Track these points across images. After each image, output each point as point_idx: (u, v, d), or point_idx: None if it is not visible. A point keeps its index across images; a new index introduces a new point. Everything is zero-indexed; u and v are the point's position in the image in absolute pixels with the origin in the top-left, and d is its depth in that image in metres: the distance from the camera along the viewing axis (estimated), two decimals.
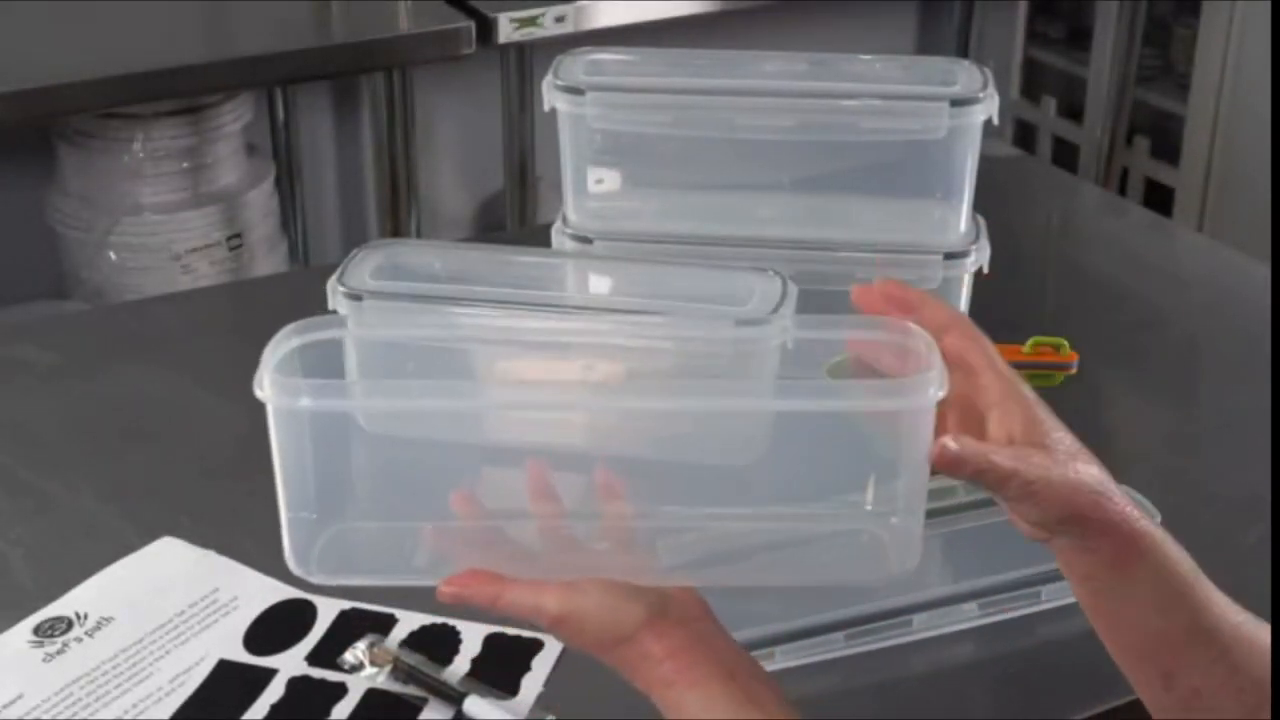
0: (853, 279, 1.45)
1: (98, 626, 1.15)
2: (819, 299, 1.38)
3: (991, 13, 3.50)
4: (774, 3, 3.09)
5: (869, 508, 0.97)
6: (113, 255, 2.52)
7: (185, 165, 2.55)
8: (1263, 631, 0.96)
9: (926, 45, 3.50)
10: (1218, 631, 0.96)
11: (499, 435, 1.01)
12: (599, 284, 1.50)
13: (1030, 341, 1.39)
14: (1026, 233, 1.85)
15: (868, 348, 1.01)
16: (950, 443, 0.90)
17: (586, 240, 1.49)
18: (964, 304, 1.48)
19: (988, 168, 1.49)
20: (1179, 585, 0.95)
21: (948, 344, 0.98)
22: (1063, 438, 0.94)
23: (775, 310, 1.31)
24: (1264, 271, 1.75)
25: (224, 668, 1.12)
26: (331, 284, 1.38)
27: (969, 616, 1.16)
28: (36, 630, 1.15)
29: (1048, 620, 1.18)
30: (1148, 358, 1.61)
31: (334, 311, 1.38)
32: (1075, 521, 0.92)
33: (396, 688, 1.08)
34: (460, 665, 1.11)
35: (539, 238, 1.55)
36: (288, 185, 2.91)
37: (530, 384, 1.10)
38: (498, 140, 2.82)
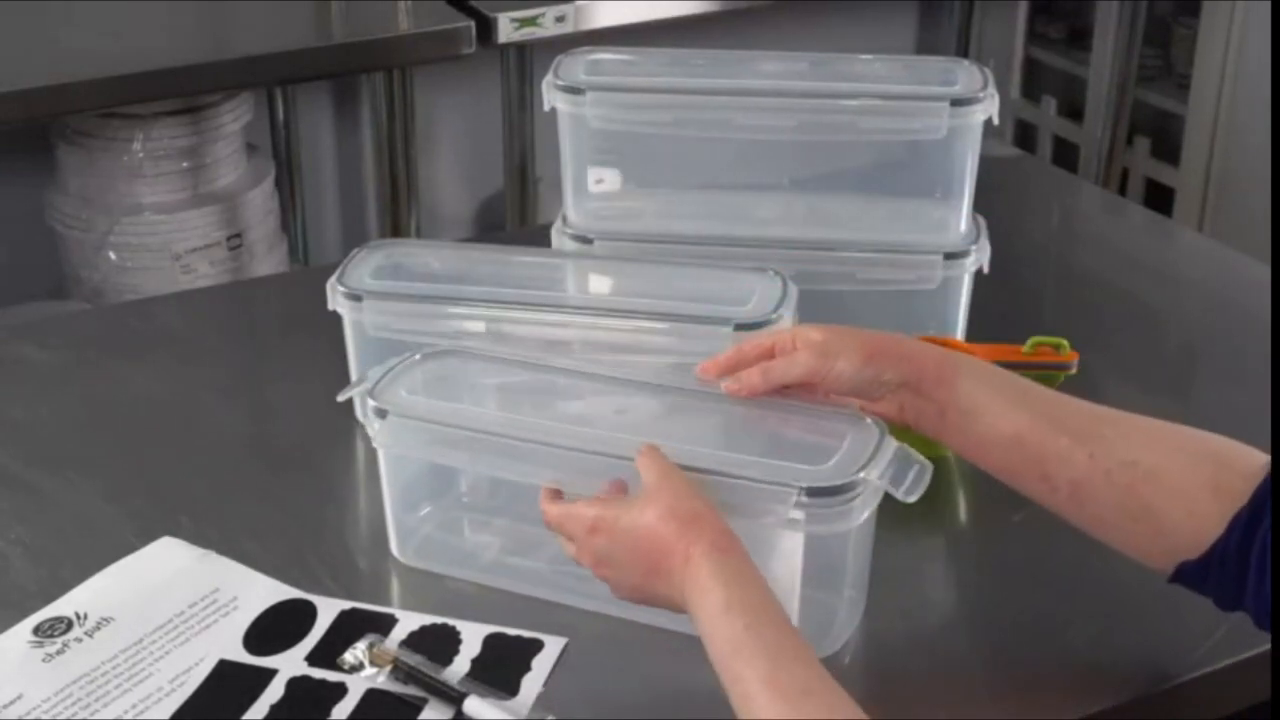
0: (853, 279, 1.47)
1: (98, 627, 1.15)
2: (819, 299, 1.39)
3: (991, 13, 3.50)
4: (774, 3, 3.09)
5: None
6: (113, 255, 2.52)
7: (185, 165, 2.55)
8: (1112, 414, 1.09)
9: (926, 45, 3.50)
10: (1067, 422, 1.08)
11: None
12: (599, 284, 1.50)
13: (1030, 341, 1.39)
14: (1026, 233, 1.85)
15: None
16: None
17: (586, 240, 1.49)
18: (964, 304, 1.48)
19: (988, 168, 1.49)
20: (1009, 387, 1.10)
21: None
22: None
23: (775, 310, 1.32)
24: (1264, 271, 1.75)
25: (224, 668, 1.12)
26: (331, 284, 1.38)
27: None
28: (36, 630, 1.15)
29: (1047, 620, 1.18)
30: (1148, 358, 1.61)
31: (337, 311, 1.39)
32: (880, 357, 1.11)
33: (396, 688, 1.08)
34: (460, 665, 1.11)
35: (539, 238, 1.55)
36: (288, 185, 2.91)
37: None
38: (498, 140, 2.82)
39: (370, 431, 1.17)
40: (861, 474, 1.05)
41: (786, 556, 1.08)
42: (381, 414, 1.16)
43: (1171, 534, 1.03)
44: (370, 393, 1.17)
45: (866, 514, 1.06)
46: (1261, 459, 1.03)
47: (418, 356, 1.23)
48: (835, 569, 1.12)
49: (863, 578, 1.14)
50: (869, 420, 1.10)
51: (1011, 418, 1.08)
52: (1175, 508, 1.03)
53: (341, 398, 1.24)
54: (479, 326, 1.36)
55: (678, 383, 1.18)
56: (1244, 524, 1.00)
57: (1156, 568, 1.06)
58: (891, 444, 1.07)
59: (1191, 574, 1.04)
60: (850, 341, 1.13)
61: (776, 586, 1.00)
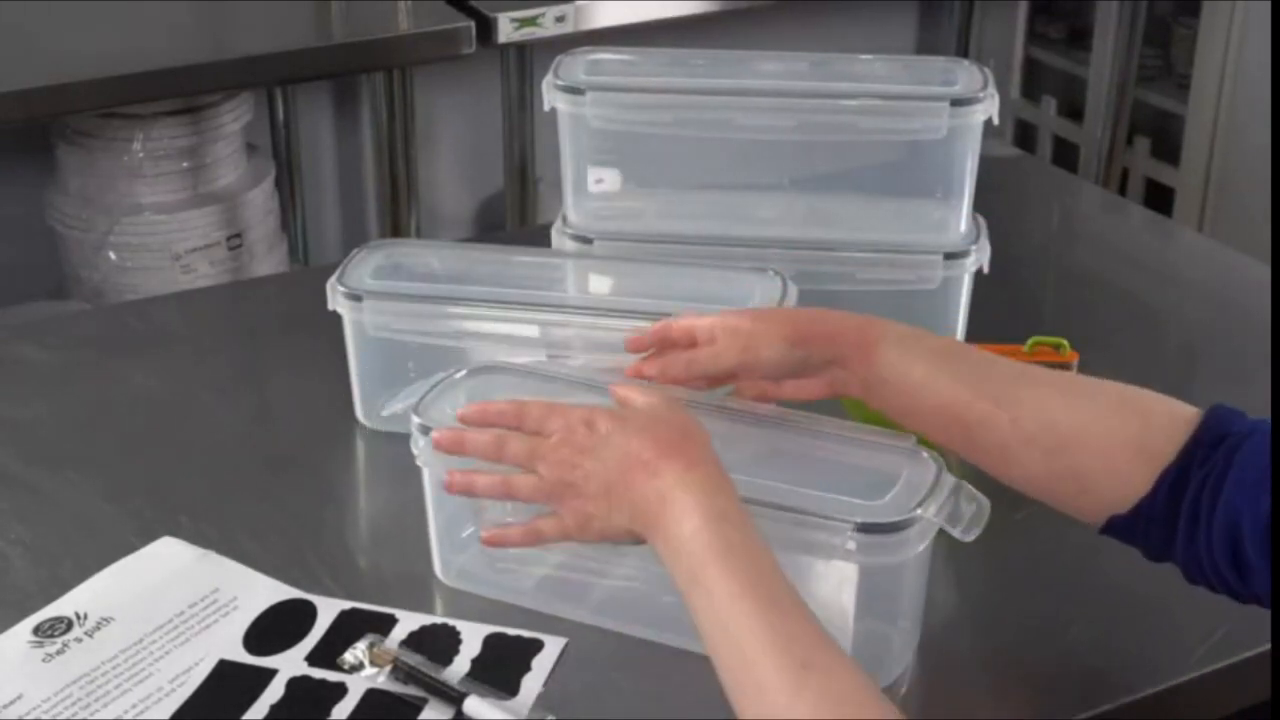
0: (853, 279, 1.47)
1: (98, 627, 1.15)
2: (819, 299, 1.39)
3: (991, 13, 3.50)
4: (774, 3, 3.09)
5: None
6: (113, 255, 2.52)
7: (185, 165, 2.55)
8: (1033, 373, 1.11)
9: (926, 45, 3.50)
10: (988, 387, 1.09)
11: None
12: (599, 284, 1.50)
13: (1030, 341, 1.39)
14: (1026, 233, 1.85)
15: None
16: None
17: (586, 240, 1.49)
18: (964, 304, 1.48)
19: (988, 168, 1.49)
20: (930, 354, 1.11)
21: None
22: None
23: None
24: (1264, 271, 1.75)
25: (224, 668, 1.12)
26: (331, 284, 1.38)
27: None
28: (36, 630, 1.15)
29: (1048, 620, 1.18)
30: (1148, 358, 1.61)
31: (337, 311, 1.38)
32: (807, 339, 1.13)
33: (396, 688, 1.08)
34: (460, 665, 1.11)
35: (539, 238, 1.55)
36: (288, 185, 2.91)
37: None
38: (498, 140, 2.82)
39: (415, 450, 1.14)
40: (919, 510, 1.03)
41: (839, 589, 1.07)
42: (425, 431, 1.13)
43: (1098, 493, 1.05)
44: (415, 409, 1.15)
45: (921, 548, 1.05)
46: (1184, 411, 1.06)
47: (462, 373, 1.20)
48: (889, 601, 1.11)
49: (917, 609, 1.13)
50: (926, 454, 1.08)
51: (933, 386, 1.10)
52: (1100, 468, 1.05)
53: (386, 413, 1.24)
54: (479, 326, 1.37)
55: (731, 405, 1.16)
56: (1171, 482, 1.02)
57: (1087, 522, 1.07)
58: (949, 480, 1.06)
59: (1120, 528, 1.05)
60: (774, 328, 1.14)
61: (828, 617, 0.97)
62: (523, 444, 1.05)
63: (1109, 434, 1.05)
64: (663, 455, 0.99)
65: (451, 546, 1.22)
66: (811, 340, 1.14)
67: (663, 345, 1.18)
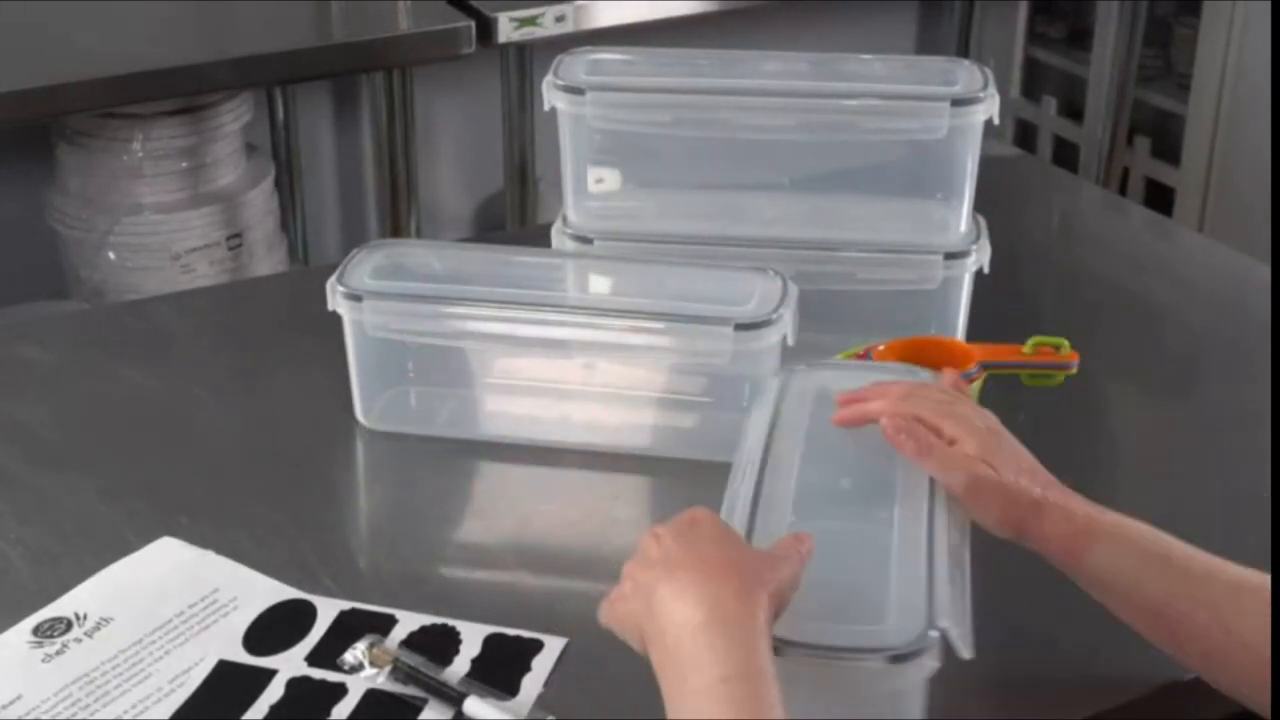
0: (853, 279, 1.47)
1: (97, 627, 1.15)
2: (819, 299, 1.39)
3: (991, 13, 3.50)
4: (774, 3, 3.09)
5: None
6: (113, 255, 2.52)
7: (185, 165, 2.55)
8: (1251, 580, 1.03)
9: (926, 45, 3.50)
10: (1206, 593, 1.03)
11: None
12: (599, 284, 1.50)
13: (1030, 341, 1.39)
14: (1026, 233, 1.85)
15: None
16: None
17: (586, 240, 1.49)
18: (964, 304, 1.48)
19: (988, 168, 1.49)
20: (1147, 558, 1.05)
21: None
22: (1016, 448, 1.09)
23: (775, 310, 1.32)
24: (1264, 271, 1.75)
25: (224, 668, 1.12)
26: (331, 284, 1.38)
27: None
28: (36, 630, 1.15)
29: (1047, 621, 1.18)
30: (1148, 358, 1.61)
31: (337, 311, 1.39)
32: (1017, 525, 1.07)
33: (396, 688, 1.08)
34: (460, 665, 1.11)
35: (539, 238, 1.55)
36: (287, 185, 2.91)
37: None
38: (498, 140, 2.82)
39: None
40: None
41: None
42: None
43: None
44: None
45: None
46: None
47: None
48: None
49: None
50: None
51: (1146, 592, 1.05)
52: None
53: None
54: (479, 326, 1.37)
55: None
56: None
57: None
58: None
59: None
60: (996, 495, 1.07)
61: None
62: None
63: None
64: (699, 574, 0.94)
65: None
66: (1024, 529, 1.07)
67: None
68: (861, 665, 0.94)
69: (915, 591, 0.98)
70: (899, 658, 0.94)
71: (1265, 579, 1.03)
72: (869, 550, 1.05)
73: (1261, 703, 1.02)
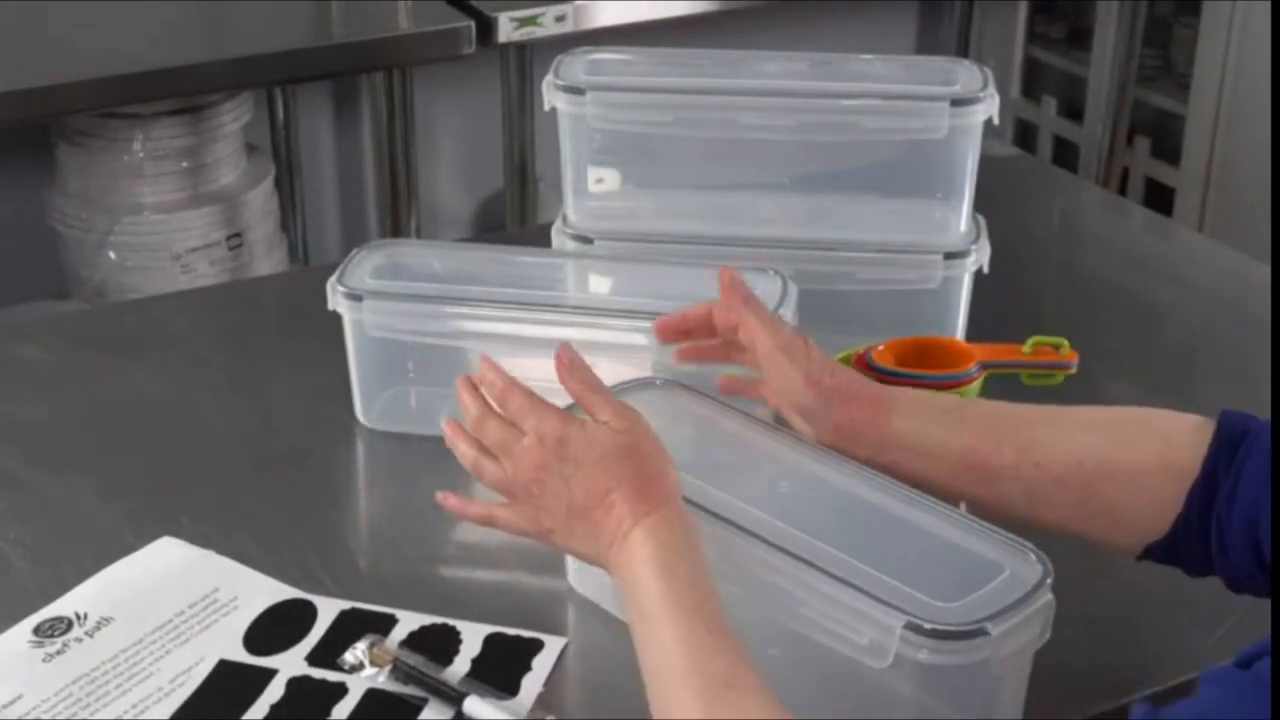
0: (853, 279, 1.47)
1: (97, 627, 1.15)
2: (819, 299, 1.39)
3: (991, 13, 3.50)
4: (774, 3, 3.09)
5: None
6: (113, 255, 2.52)
7: (185, 165, 2.55)
8: (1048, 413, 1.11)
9: (926, 45, 3.50)
10: (1007, 434, 1.08)
11: None
12: (599, 284, 1.50)
13: (1030, 341, 1.39)
14: (1026, 233, 1.85)
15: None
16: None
17: (586, 240, 1.49)
18: (964, 304, 1.48)
19: (988, 168, 1.49)
20: (944, 414, 1.11)
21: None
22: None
23: (775, 310, 1.31)
24: (1264, 271, 1.75)
25: (224, 668, 1.12)
26: (331, 284, 1.38)
27: None
28: (36, 630, 1.15)
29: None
30: (1148, 358, 1.61)
31: (337, 311, 1.38)
32: (821, 385, 1.12)
33: (396, 688, 1.08)
34: (460, 665, 1.11)
35: (539, 238, 1.55)
36: (288, 185, 2.91)
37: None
38: (498, 140, 2.82)
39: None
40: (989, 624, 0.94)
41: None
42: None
43: (1132, 522, 1.05)
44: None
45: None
46: (1200, 423, 1.04)
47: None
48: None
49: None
50: (1033, 555, 1.00)
51: (951, 445, 1.09)
52: (1132, 497, 1.04)
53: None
54: (479, 326, 1.37)
55: (845, 469, 1.11)
56: (1199, 494, 1.01)
57: (1125, 552, 1.07)
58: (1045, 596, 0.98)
59: (1159, 552, 1.05)
60: (809, 357, 1.15)
61: None
62: (498, 432, 1.05)
63: (1135, 460, 1.04)
64: (625, 494, 0.98)
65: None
66: (827, 389, 1.13)
67: (691, 328, 1.22)
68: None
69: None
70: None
71: (1056, 410, 1.10)
72: (882, 531, 1.06)
73: (1085, 534, 1.07)
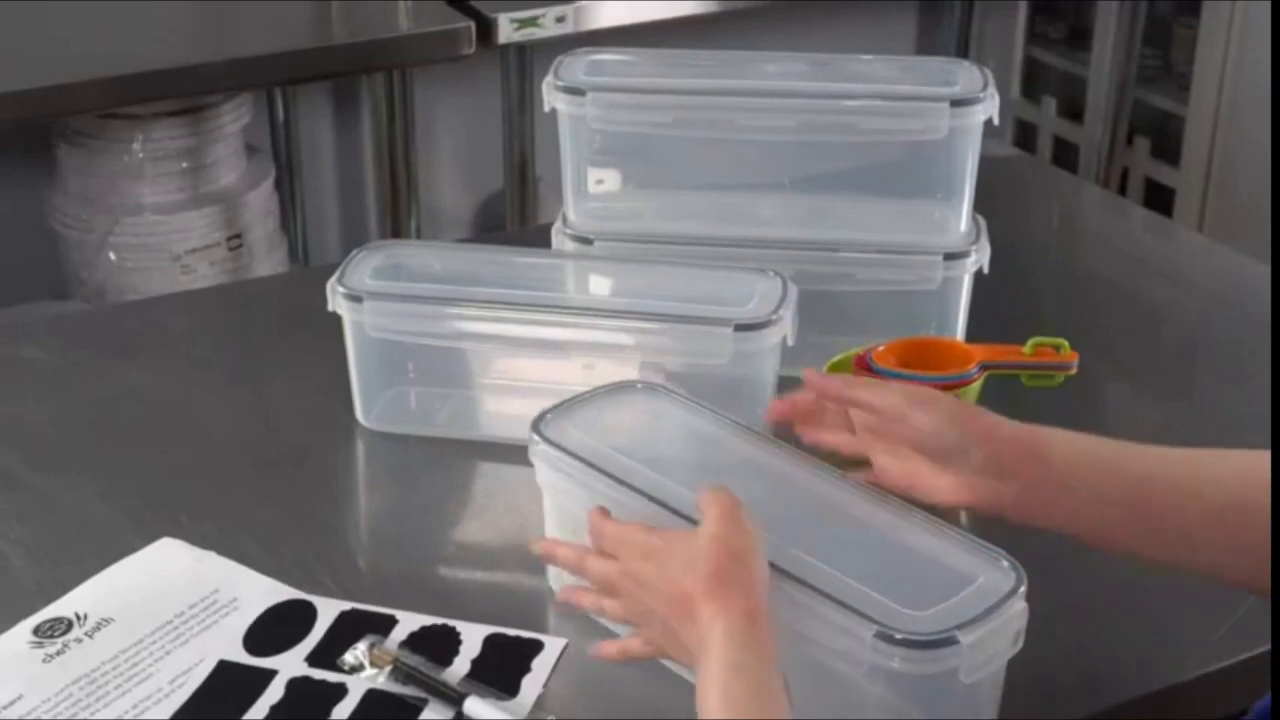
0: (853, 279, 1.47)
1: (97, 627, 1.15)
2: (819, 299, 1.39)
3: (991, 13, 3.50)
4: (774, 3, 3.09)
5: None
6: (113, 255, 2.52)
7: (185, 165, 2.55)
8: (1210, 453, 1.05)
9: (926, 45, 3.50)
10: (1172, 470, 1.04)
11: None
12: (599, 284, 1.50)
13: (1030, 341, 1.39)
14: (1026, 233, 1.85)
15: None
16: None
17: (586, 240, 1.49)
18: (964, 304, 1.48)
19: (988, 168, 1.49)
20: (1104, 451, 1.05)
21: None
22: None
23: (775, 310, 1.32)
24: (1264, 271, 1.75)
25: (224, 668, 1.12)
26: (331, 284, 1.38)
27: None
28: (36, 631, 1.15)
29: (1047, 620, 1.18)
30: (1148, 358, 1.61)
31: (337, 312, 1.39)
32: (963, 428, 1.05)
33: (396, 689, 1.08)
34: (460, 666, 1.11)
35: (539, 238, 1.55)
36: (288, 185, 2.91)
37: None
38: (498, 140, 2.82)
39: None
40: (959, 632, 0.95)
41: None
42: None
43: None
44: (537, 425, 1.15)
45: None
46: None
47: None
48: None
49: None
50: (1006, 563, 1.00)
51: (1114, 481, 1.04)
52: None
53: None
54: (479, 327, 1.37)
55: (828, 479, 1.11)
56: None
57: (1263, 595, 1.02)
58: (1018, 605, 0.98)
59: None
60: (946, 400, 1.09)
61: None
62: (600, 568, 1.04)
63: None
64: (703, 595, 0.95)
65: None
66: (970, 426, 1.06)
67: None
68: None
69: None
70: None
71: (1220, 453, 1.05)
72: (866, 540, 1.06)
73: (1234, 576, 1.03)
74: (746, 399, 1.30)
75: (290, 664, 1.11)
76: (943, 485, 1.07)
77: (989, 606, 0.97)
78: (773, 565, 0.99)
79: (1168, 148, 3.37)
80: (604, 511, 1.05)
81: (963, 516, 1.21)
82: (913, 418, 1.07)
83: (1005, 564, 1.00)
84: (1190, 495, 1.03)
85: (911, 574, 1.01)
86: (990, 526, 1.06)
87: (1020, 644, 0.98)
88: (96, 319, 1.98)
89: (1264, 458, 1.03)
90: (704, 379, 1.27)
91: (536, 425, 1.14)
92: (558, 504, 1.16)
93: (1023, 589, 0.98)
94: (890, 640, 0.94)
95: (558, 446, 1.11)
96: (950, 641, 0.94)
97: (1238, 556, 1.02)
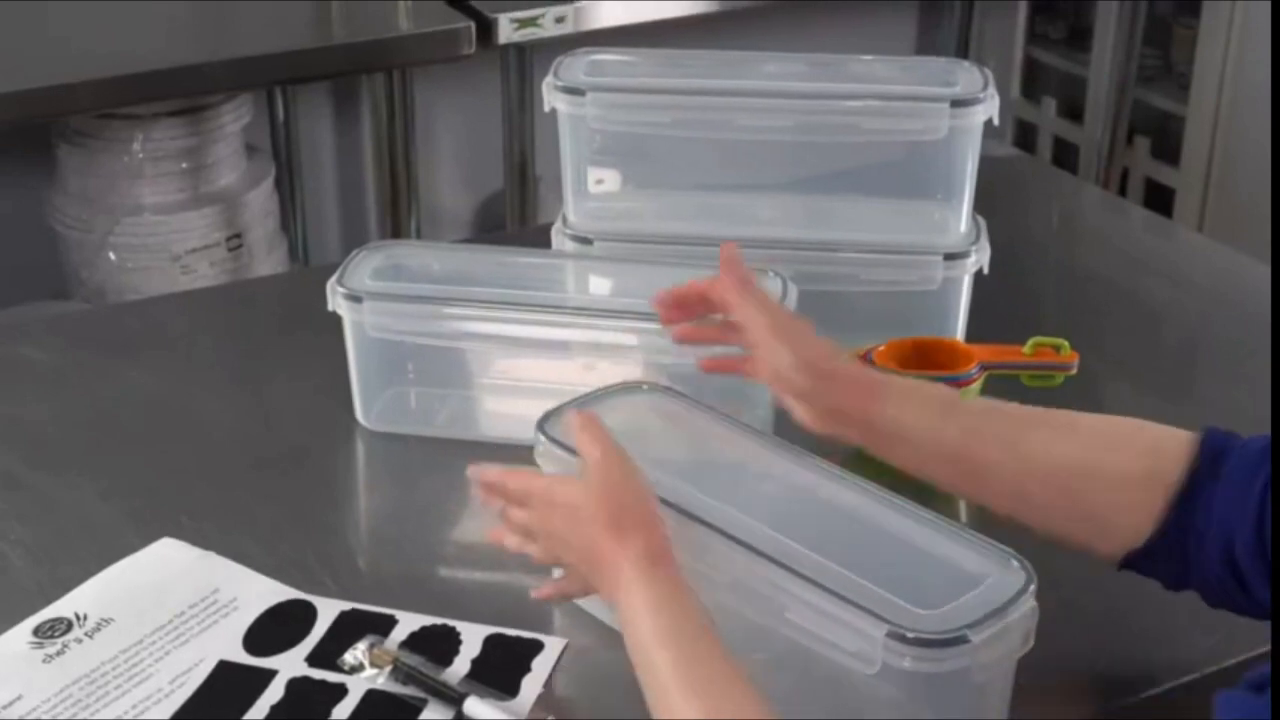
0: (853, 279, 1.47)
1: (97, 627, 1.15)
2: (819, 299, 1.39)
3: (991, 13, 3.50)
4: (774, 3, 3.09)
5: None
6: (113, 255, 2.52)
7: (185, 165, 2.55)
8: (1039, 415, 1.11)
9: (926, 45, 3.50)
10: (997, 432, 1.10)
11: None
12: (599, 284, 1.50)
13: (1030, 341, 1.39)
14: (1026, 233, 1.85)
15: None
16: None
17: (586, 240, 1.49)
18: (964, 304, 1.48)
19: (988, 168, 1.49)
20: (932, 405, 1.12)
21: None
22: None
23: None
24: (1264, 271, 1.75)
25: (224, 669, 1.12)
26: (331, 285, 1.38)
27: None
28: (36, 631, 1.15)
29: (1046, 622, 1.18)
30: (1148, 358, 1.61)
31: (336, 312, 1.39)
32: (816, 367, 1.13)
33: (396, 689, 1.08)
34: (460, 666, 1.11)
35: (539, 238, 1.55)
36: (288, 185, 2.91)
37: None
38: (498, 140, 2.82)
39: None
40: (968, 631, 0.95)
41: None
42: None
43: (1114, 529, 1.05)
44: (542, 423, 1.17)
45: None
46: (1185, 436, 1.05)
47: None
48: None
49: None
50: (1016, 563, 1.01)
51: (939, 437, 1.10)
52: (1113, 503, 1.05)
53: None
54: (479, 327, 1.37)
55: (829, 472, 1.12)
56: (1179, 508, 1.02)
57: (1104, 559, 1.07)
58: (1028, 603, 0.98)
59: (1138, 561, 1.06)
60: (799, 337, 1.16)
61: None
62: (518, 517, 1.09)
63: (1120, 468, 1.05)
64: (605, 544, 1.00)
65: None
66: (820, 372, 1.14)
67: (690, 304, 1.22)
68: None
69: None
70: None
71: (1048, 412, 1.11)
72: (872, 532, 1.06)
73: (1065, 537, 1.08)
74: (748, 399, 1.30)
75: (290, 664, 1.11)
76: (800, 414, 1.16)
77: (999, 606, 0.97)
78: (783, 565, 0.99)
79: (1168, 148, 3.37)
80: (484, 469, 1.11)
81: (963, 513, 1.21)
82: (766, 358, 1.17)
83: (1015, 564, 1.00)
84: (1011, 454, 1.08)
85: (921, 573, 1.01)
86: (999, 527, 1.07)
87: (1030, 643, 0.99)
88: (96, 319, 1.98)
89: (1085, 422, 1.10)
90: (705, 379, 1.27)
91: (542, 425, 1.14)
92: None
93: (1033, 588, 0.98)
94: (902, 639, 0.94)
95: (564, 447, 1.11)
96: (961, 640, 0.94)
97: (1071, 520, 1.07)
